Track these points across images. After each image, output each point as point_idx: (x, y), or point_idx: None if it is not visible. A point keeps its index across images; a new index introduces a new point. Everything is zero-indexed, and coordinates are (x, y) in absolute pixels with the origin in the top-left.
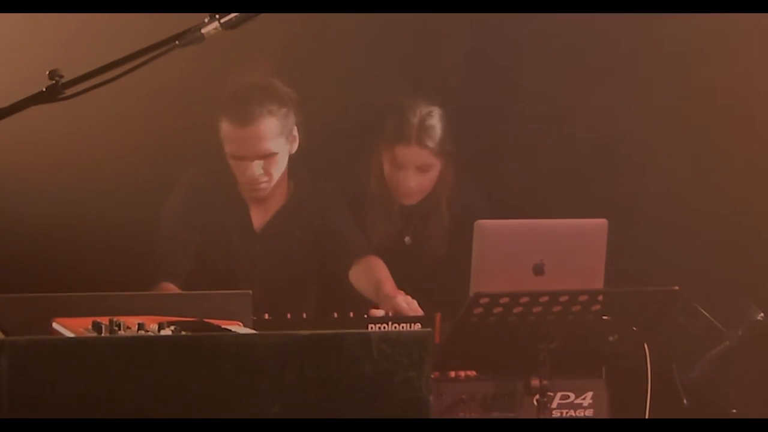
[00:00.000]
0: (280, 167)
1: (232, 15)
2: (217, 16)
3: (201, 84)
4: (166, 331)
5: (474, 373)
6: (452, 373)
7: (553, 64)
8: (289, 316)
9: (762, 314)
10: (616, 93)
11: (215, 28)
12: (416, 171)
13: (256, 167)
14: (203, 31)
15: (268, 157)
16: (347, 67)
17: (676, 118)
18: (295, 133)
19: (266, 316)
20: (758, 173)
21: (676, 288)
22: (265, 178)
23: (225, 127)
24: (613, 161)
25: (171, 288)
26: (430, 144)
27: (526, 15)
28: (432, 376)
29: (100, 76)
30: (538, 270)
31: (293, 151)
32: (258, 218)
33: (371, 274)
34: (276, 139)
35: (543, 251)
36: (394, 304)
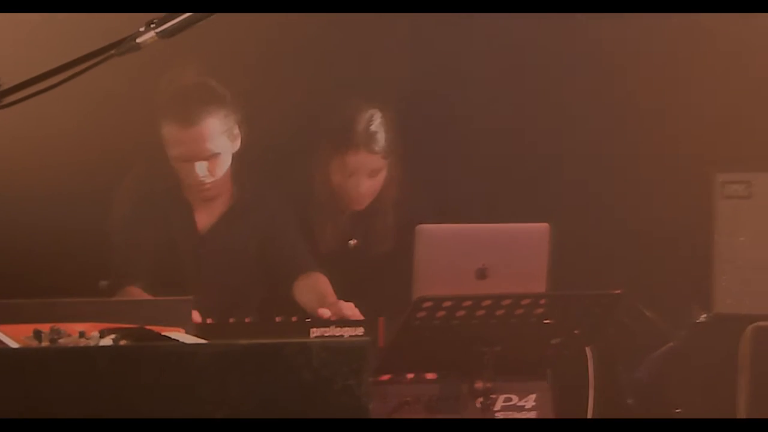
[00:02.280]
0: (223, 166)
1: (169, 24)
2: (153, 24)
3: (139, 87)
4: (107, 340)
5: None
6: (410, 376)
7: (498, 68)
8: (231, 320)
9: (705, 315)
10: (558, 98)
11: (152, 37)
12: (366, 176)
13: (200, 168)
14: (139, 40)
15: (212, 157)
16: (289, 70)
17: (617, 123)
18: (236, 131)
19: (209, 320)
20: (697, 177)
21: (618, 291)
22: (211, 178)
23: (167, 130)
24: (555, 166)
25: (136, 292)
26: (378, 148)
27: (471, 16)
28: (380, 378)
29: (38, 85)
30: (481, 274)
31: (236, 149)
32: (202, 221)
33: (315, 288)
34: (218, 139)
35: (486, 255)
36: (336, 309)
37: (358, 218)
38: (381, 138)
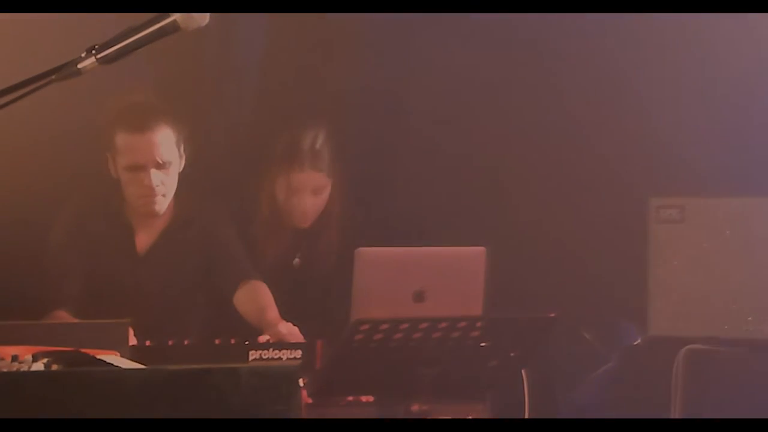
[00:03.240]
0: (173, 182)
1: (110, 50)
2: (93, 51)
3: (78, 113)
4: (39, 364)
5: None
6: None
7: (440, 90)
8: (171, 342)
9: (640, 337)
10: (497, 123)
11: (92, 63)
12: (310, 194)
13: (155, 176)
14: (80, 66)
15: (164, 165)
16: (231, 87)
17: (553, 147)
18: (182, 151)
19: (147, 342)
20: (631, 201)
21: (553, 315)
22: (163, 190)
23: (120, 138)
24: (492, 189)
25: (64, 315)
26: (323, 167)
27: (412, 36)
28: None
29: None
30: (418, 297)
31: (180, 169)
32: (142, 241)
33: (256, 300)
34: (171, 149)
35: (423, 278)
36: (276, 331)
37: (301, 237)
38: (326, 156)
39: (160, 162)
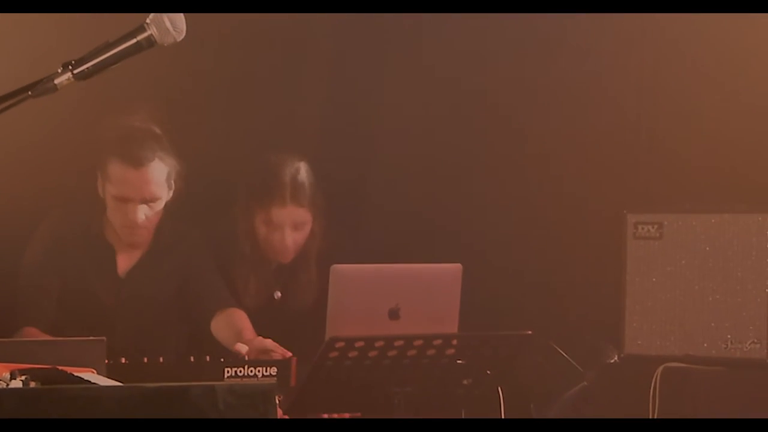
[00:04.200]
0: (158, 215)
1: (85, 66)
2: (70, 66)
3: (68, 128)
4: (17, 381)
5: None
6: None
7: (410, 113)
8: (146, 360)
9: (617, 355)
10: (470, 141)
11: (68, 79)
12: (292, 229)
13: (141, 211)
14: (56, 81)
15: (153, 201)
16: (211, 120)
17: (529, 164)
18: (172, 183)
19: (123, 360)
20: (609, 217)
21: (529, 332)
22: (146, 224)
23: (114, 168)
24: (468, 206)
25: (34, 332)
26: (304, 201)
27: (384, 61)
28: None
29: None
30: (394, 314)
31: (168, 199)
32: (123, 263)
33: (233, 325)
34: (162, 185)
35: (398, 295)
36: (257, 343)
37: (281, 271)
38: (306, 190)
39: (149, 198)
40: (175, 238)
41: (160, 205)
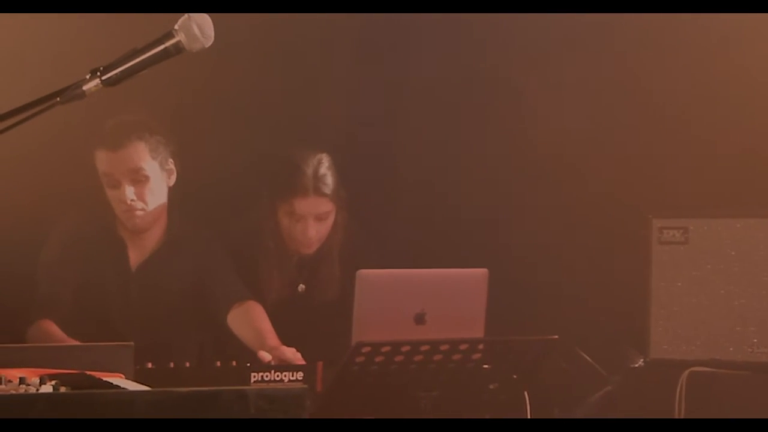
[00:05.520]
0: (155, 195)
1: (113, 72)
2: (98, 72)
3: (75, 131)
4: (47, 386)
5: None
6: None
7: (440, 113)
8: (172, 365)
9: (642, 359)
10: (498, 145)
11: (96, 85)
12: (315, 220)
13: (128, 191)
14: (84, 87)
15: (138, 180)
16: (231, 113)
17: (554, 168)
18: (172, 165)
19: (149, 365)
20: (634, 222)
21: (555, 337)
22: (141, 204)
23: (99, 156)
24: (492, 211)
25: (50, 325)
26: (327, 191)
27: (408, 57)
28: None
29: None
30: (420, 319)
31: (171, 184)
32: (135, 257)
33: (252, 324)
34: (147, 161)
35: (424, 300)
36: (279, 354)
37: (304, 264)
38: (330, 181)
39: (133, 177)
40: (186, 234)
41: (154, 186)
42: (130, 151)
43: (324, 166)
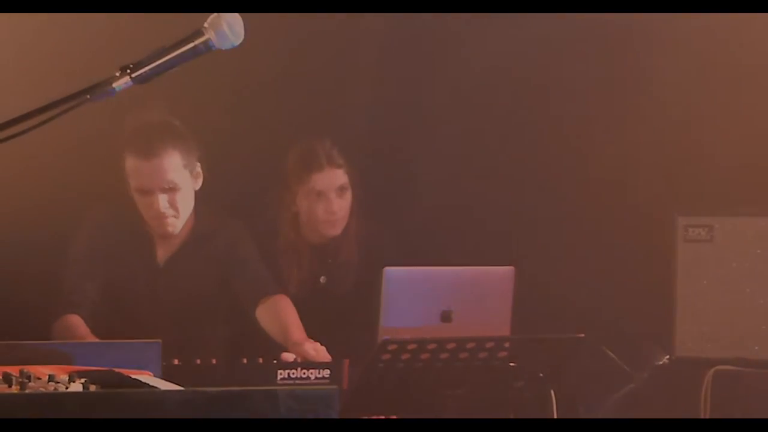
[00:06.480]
0: (186, 203)
1: (144, 69)
2: (128, 70)
3: (101, 127)
4: (77, 384)
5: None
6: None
7: (462, 109)
8: (198, 361)
9: (667, 357)
10: (523, 141)
11: (126, 83)
12: (336, 194)
13: (162, 201)
14: (114, 85)
15: (172, 189)
16: (248, 105)
17: (580, 167)
18: (199, 169)
19: (176, 361)
20: (659, 220)
21: (582, 335)
22: (172, 212)
23: (129, 162)
24: (520, 209)
25: (76, 320)
26: (340, 162)
27: (434, 52)
28: None
29: (9, 129)
30: (446, 317)
31: (198, 187)
32: (163, 252)
33: (279, 317)
34: (179, 172)
35: (450, 298)
36: (303, 351)
37: (322, 254)
38: (340, 155)
39: (167, 187)
40: (214, 227)
41: (185, 194)
42: (163, 162)
43: (329, 144)
